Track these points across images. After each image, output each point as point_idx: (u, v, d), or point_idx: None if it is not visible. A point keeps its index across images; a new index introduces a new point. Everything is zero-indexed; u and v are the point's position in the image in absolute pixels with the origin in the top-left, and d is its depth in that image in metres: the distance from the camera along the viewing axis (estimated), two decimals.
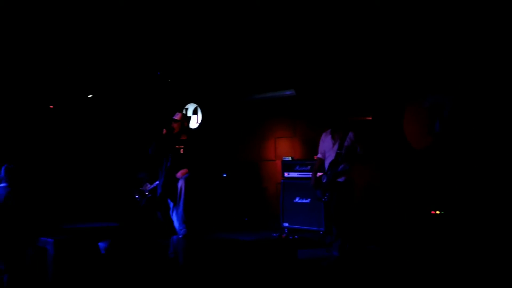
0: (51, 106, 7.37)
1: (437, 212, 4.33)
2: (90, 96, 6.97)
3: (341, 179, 4.05)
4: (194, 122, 6.68)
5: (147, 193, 5.88)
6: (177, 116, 4.74)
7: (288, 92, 5.90)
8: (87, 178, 6.91)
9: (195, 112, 6.69)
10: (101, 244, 4.43)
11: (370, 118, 4.83)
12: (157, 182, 5.68)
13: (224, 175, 6.24)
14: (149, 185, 5.90)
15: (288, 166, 5.56)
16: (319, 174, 4.33)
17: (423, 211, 4.44)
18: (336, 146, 4.14)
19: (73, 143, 7.14)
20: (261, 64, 5.71)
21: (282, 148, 6.02)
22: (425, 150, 4.66)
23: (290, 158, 5.61)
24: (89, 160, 7.07)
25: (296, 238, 5.20)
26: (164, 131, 4.59)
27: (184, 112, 6.74)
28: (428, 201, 4.48)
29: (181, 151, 4.70)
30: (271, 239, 5.20)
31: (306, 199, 5.27)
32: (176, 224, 4.76)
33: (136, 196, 5.95)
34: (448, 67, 4.55)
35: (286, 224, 5.44)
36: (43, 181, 6.30)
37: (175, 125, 4.64)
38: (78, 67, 6.26)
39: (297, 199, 5.39)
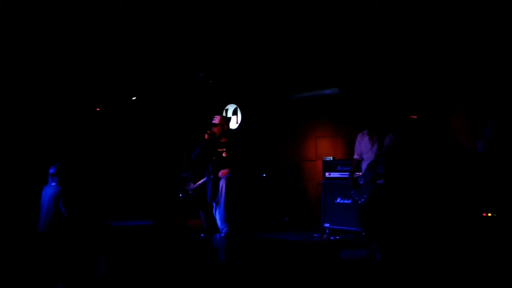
0: (98, 109, 7.69)
1: (489, 214, 4.12)
2: (134, 98, 7.21)
3: (380, 181, 3.95)
4: (234, 122, 6.74)
5: (190, 192, 6.00)
6: (216, 120, 4.78)
7: (328, 91, 5.83)
8: (133, 177, 7.15)
9: (235, 113, 6.76)
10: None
11: (415, 117, 4.67)
12: (201, 181, 5.79)
13: (264, 175, 6.26)
14: (192, 185, 6.01)
15: (329, 166, 5.49)
16: (357, 174, 4.26)
17: (473, 213, 4.25)
18: (375, 147, 4.04)
19: (120, 144, 7.42)
20: (302, 63, 5.68)
21: (323, 148, 5.96)
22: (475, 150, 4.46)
23: (331, 158, 5.54)
24: (135, 160, 7.31)
25: (337, 239, 5.14)
26: (206, 136, 4.66)
27: (224, 113, 6.83)
28: (479, 203, 4.28)
29: (224, 154, 4.75)
30: (313, 239, 5.16)
31: (347, 199, 5.18)
32: (219, 223, 4.83)
33: (181, 195, 6.08)
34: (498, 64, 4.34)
35: (327, 225, 5.38)
36: (93, 180, 6.60)
37: (215, 129, 4.69)
38: (123, 71, 6.50)
39: (338, 200, 5.31)
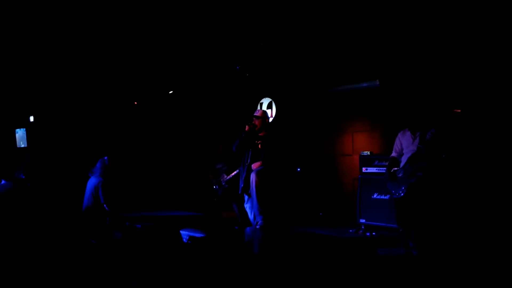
0: (136, 103, 7.91)
1: None
2: (171, 92, 7.35)
3: (420, 174, 3.83)
4: (269, 116, 6.72)
5: (224, 184, 6.06)
6: (258, 113, 4.82)
7: (366, 84, 5.69)
8: (169, 168, 7.32)
9: (269, 107, 6.74)
10: (183, 232, 4.66)
11: (459, 111, 4.48)
12: (234, 173, 5.83)
13: (298, 169, 6.21)
14: (226, 176, 6.07)
15: (366, 161, 5.38)
16: (394, 169, 4.16)
17: None
18: (417, 141, 3.94)
19: (157, 136, 7.61)
20: (340, 54, 5.57)
21: (360, 143, 5.83)
22: None
23: (368, 153, 5.43)
24: (171, 152, 7.47)
25: (373, 235, 5.03)
26: (247, 128, 4.69)
27: (259, 107, 6.83)
28: None
29: (259, 146, 4.77)
30: (348, 235, 5.08)
31: (385, 195, 5.06)
32: (250, 215, 4.85)
33: (215, 187, 6.16)
34: None
35: (363, 221, 5.28)
36: (132, 172, 6.80)
37: (257, 122, 4.71)
38: (160, 65, 6.63)
39: (375, 195, 5.20)
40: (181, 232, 4.67)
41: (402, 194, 3.92)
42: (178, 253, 4.11)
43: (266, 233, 4.30)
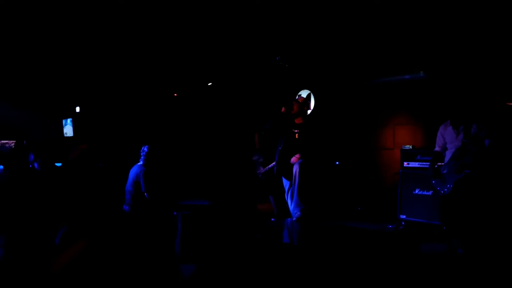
0: (175, 94, 8.07)
1: None
2: (209, 84, 7.44)
3: (467, 170, 3.68)
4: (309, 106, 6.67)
5: (260, 176, 6.07)
6: (300, 98, 4.79)
7: (408, 76, 5.52)
8: (206, 159, 7.42)
9: (308, 99, 6.67)
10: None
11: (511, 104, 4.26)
12: (270, 165, 5.83)
13: (337, 162, 6.13)
14: (262, 168, 6.08)
15: (408, 155, 5.23)
16: (439, 164, 4.02)
17: None
18: (461, 135, 3.78)
19: (196, 127, 7.74)
20: (382, 45, 5.41)
21: (402, 136, 5.68)
22: None
23: (410, 146, 5.28)
24: (209, 143, 7.57)
25: (414, 232, 4.90)
26: (283, 109, 4.64)
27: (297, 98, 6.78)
28: None
29: (296, 135, 4.74)
30: (388, 230, 4.98)
31: (427, 191, 4.90)
32: (290, 207, 4.85)
33: None
34: None
35: (403, 216, 5.15)
36: (171, 161, 6.97)
37: (295, 105, 4.66)
38: (198, 57, 6.69)
39: (416, 191, 5.05)
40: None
41: (448, 191, 3.79)
42: (217, 241, 4.18)
43: (304, 225, 4.29)
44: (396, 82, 5.61)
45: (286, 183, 4.82)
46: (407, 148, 5.29)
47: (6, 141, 7.53)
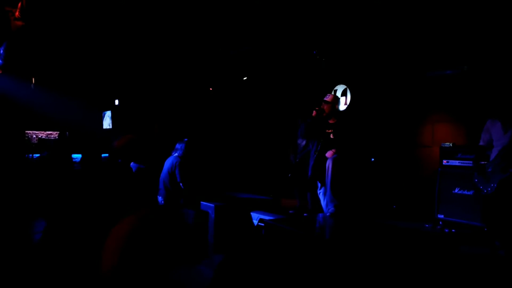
0: (211, 89, 8.17)
1: None
2: (245, 78, 7.47)
3: None
4: (343, 104, 6.56)
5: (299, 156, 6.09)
6: (328, 98, 4.71)
7: (449, 71, 5.31)
8: (246, 153, 7.48)
9: (344, 94, 6.57)
10: (253, 214, 4.75)
11: None
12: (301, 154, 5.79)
13: (372, 159, 6.01)
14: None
15: (447, 153, 5.04)
16: (483, 162, 3.84)
17: None
18: (509, 133, 3.60)
19: (234, 121, 7.80)
20: (423, 39, 5.24)
21: (441, 133, 5.48)
22: None
23: (450, 144, 5.09)
24: (246, 137, 7.62)
25: (453, 232, 4.73)
26: (314, 112, 4.61)
27: (333, 93, 6.68)
28: None
29: (331, 135, 4.67)
30: (424, 229, 4.83)
31: (468, 191, 4.72)
32: (323, 203, 4.80)
33: (291, 157, 6.20)
34: None
35: (441, 216, 4.98)
36: (211, 154, 7.07)
37: (325, 107, 4.62)
38: (235, 51, 6.73)
39: (456, 190, 4.87)
40: (251, 214, 4.77)
41: (491, 191, 3.62)
42: (249, 233, 4.20)
43: (337, 221, 4.23)
44: (436, 77, 5.41)
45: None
46: (447, 145, 5.10)
47: (51, 132, 7.87)
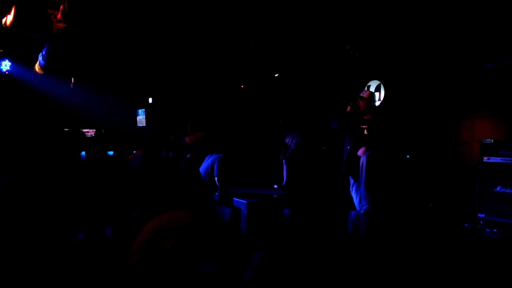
0: (242, 86, 8.20)
1: None
2: (276, 75, 7.45)
3: None
4: (377, 99, 6.43)
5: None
6: (365, 94, 4.65)
7: (491, 65, 5.11)
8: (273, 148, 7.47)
9: (377, 89, 6.44)
10: (286, 211, 4.74)
11: None
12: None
13: (407, 156, 5.86)
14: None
15: (488, 149, 4.85)
16: None
17: None
18: None
19: (264, 116, 7.81)
20: (460, 31, 5.05)
21: (481, 129, 5.28)
22: None
23: (491, 140, 4.89)
24: (274, 134, 7.61)
25: (495, 232, 4.55)
26: (349, 108, 4.56)
27: (366, 89, 6.56)
28: None
29: (365, 131, 4.61)
30: (464, 228, 4.68)
31: (511, 189, 4.53)
32: (355, 200, 4.74)
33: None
34: None
35: (482, 215, 4.80)
36: (239, 151, 7.12)
37: (361, 103, 4.56)
38: (267, 47, 6.72)
39: (498, 188, 4.68)
40: (284, 211, 4.76)
41: None
42: (282, 229, 4.20)
43: (372, 218, 4.17)
44: (477, 71, 5.21)
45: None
46: (488, 141, 4.91)
47: (87, 129, 8.15)
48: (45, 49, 4.36)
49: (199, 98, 8.01)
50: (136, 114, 8.70)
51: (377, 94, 6.41)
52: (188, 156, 3.96)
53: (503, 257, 3.07)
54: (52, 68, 4.92)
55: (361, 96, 4.60)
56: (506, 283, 2.67)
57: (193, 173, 3.74)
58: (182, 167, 3.85)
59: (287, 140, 6.67)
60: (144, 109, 8.54)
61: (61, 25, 3.69)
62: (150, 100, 8.44)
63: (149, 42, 6.60)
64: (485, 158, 4.89)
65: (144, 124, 8.57)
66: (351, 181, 4.84)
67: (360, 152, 4.60)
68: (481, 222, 4.79)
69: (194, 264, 1.67)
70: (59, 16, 3.67)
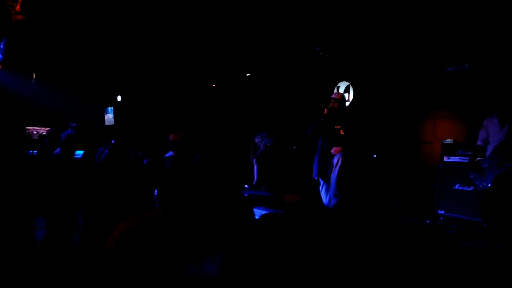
0: (214, 85, 8.20)
1: None
2: (248, 74, 7.50)
3: (509, 165, 3.55)
4: (346, 100, 6.60)
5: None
6: (337, 95, 4.71)
7: (452, 68, 5.35)
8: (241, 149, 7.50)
9: (346, 90, 6.61)
10: (256, 210, 4.79)
11: None
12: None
13: (374, 155, 6.05)
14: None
15: (448, 149, 5.10)
16: (478, 159, 3.90)
17: None
18: (505, 129, 3.66)
19: (231, 118, 7.82)
20: (424, 36, 5.26)
21: (442, 130, 5.53)
22: None
23: (451, 141, 5.14)
24: (245, 132, 7.64)
25: (453, 227, 4.79)
26: (326, 110, 4.62)
27: (335, 91, 6.72)
28: None
29: (341, 131, 4.70)
30: (426, 225, 4.89)
31: (468, 186, 4.77)
32: (325, 200, 4.85)
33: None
34: None
35: (442, 212, 5.03)
36: (210, 150, 7.09)
37: (335, 105, 4.62)
38: (237, 47, 6.74)
39: (456, 186, 4.92)
40: (254, 209, 4.81)
41: (487, 186, 3.68)
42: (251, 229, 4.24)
43: (338, 215, 4.29)
44: (439, 75, 5.45)
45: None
46: (448, 142, 5.15)
47: (51, 128, 7.87)
48: (2, 42, 4.19)
49: (170, 97, 7.94)
50: (104, 112, 8.51)
51: (346, 95, 6.57)
52: (170, 154, 3.94)
53: (457, 252, 3.25)
54: (11, 63, 4.74)
55: (334, 98, 4.67)
56: (459, 276, 2.83)
57: (178, 171, 3.72)
58: (168, 164, 3.83)
59: (257, 140, 6.75)
60: (112, 107, 8.37)
61: (20, 17, 3.58)
62: (119, 98, 8.29)
63: (117, 38, 6.48)
64: (445, 158, 5.13)
65: (113, 123, 8.40)
66: (321, 181, 4.93)
67: (334, 151, 4.69)
68: (441, 219, 5.02)
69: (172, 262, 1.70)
70: (17, 7, 3.55)
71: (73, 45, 6.58)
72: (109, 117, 8.46)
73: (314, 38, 5.93)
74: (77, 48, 6.77)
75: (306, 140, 5.40)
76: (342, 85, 6.65)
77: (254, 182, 6.63)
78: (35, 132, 7.79)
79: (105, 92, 8.21)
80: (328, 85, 6.77)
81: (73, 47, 6.71)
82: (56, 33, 5.93)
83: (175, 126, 7.37)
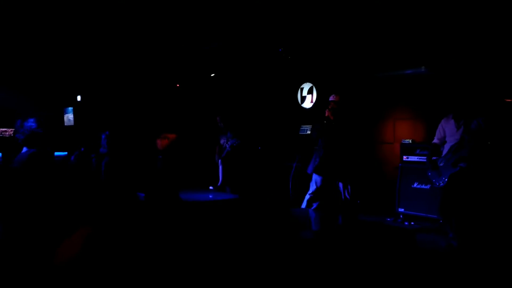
0: (178, 85, 8.09)
1: None
2: (212, 75, 7.44)
3: (463, 164, 3.73)
4: (309, 102, 6.69)
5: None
6: (336, 98, 4.62)
7: (410, 71, 5.54)
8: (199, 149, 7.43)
9: (310, 92, 6.69)
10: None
11: (511, 101, 4.28)
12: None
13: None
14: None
15: (407, 149, 5.27)
16: (435, 158, 4.07)
17: None
18: (461, 130, 3.83)
19: (196, 118, 7.74)
20: (384, 40, 5.42)
21: (402, 130, 5.71)
22: None
23: (410, 141, 5.32)
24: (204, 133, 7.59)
25: (412, 225, 4.95)
26: (327, 113, 4.57)
27: (299, 92, 6.79)
28: None
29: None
30: (386, 223, 5.03)
31: (425, 185, 4.95)
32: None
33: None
34: None
35: (402, 210, 5.20)
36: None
37: (335, 106, 4.58)
38: (201, 48, 6.69)
39: (415, 184, 5.10)
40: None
41: (442, 184, 3.84)
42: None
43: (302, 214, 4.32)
44: (398, 77, 5.62)
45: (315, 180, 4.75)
46: (407, 142, 5.33)
47: (5, 129, 7.52)
48: None
49: (132, 96, 7.76)
50: (63, 112, 8.20)
51: (309, 96, 6.66)
52: (160, 157, 3.85)
53: (415, 248, 3.36)
54: None
55: (332, 100, 4.59)
56: (415, 272, 2.93)
57: (170, 172, 3.64)
58: (159, 166, 3.75)
59: (222, 141, 6.71)
60: (72, 108, 8.08)
61: None
62: (79, 98, 8.01)
63: (78, 35, 6.26)
64: (404, 157, 5.30)
65: (73, 124, 8.11)
66: (314, 175, 4.80)
67: None
68: (401, 216, 5.18)
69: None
70: None
71: (27, 41, 6.29)
72: (68, 118, 8.17)
73: (277, 40, 5.97)
74: (32, 45, 6.48)
75: (308, 143, 5.40)
76: (306, 86, 6.73)
77: (219, 183, 6.58)
78: None
79: (64, 91, 7.91)
80: (292, 86, 6.84)
81: (28, 44, 6.42)
82: (7, 28, 5.65)
83: (139, 127, 7.20)
